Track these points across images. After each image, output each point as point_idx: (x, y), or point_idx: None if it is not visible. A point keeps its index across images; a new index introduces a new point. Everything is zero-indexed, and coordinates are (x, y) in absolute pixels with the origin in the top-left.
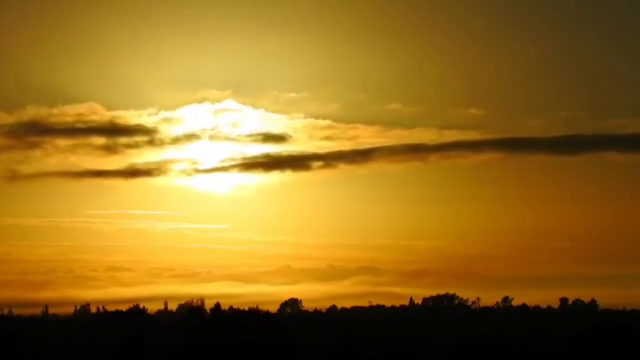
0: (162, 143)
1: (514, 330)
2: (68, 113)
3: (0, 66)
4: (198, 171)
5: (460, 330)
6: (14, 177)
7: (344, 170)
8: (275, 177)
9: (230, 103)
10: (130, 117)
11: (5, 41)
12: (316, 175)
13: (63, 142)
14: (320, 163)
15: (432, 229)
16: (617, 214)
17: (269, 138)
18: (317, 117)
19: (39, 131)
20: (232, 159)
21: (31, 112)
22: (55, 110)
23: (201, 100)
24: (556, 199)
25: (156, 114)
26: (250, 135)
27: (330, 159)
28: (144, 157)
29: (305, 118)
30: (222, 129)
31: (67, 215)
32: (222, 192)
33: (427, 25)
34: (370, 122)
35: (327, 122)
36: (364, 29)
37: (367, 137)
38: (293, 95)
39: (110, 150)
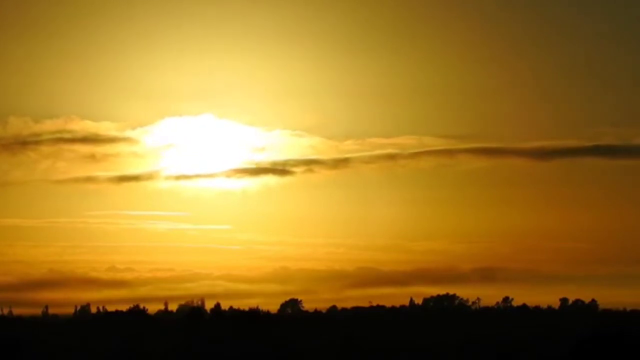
0: (146, 152)
1: (514, 330)
2: (51, 124)
3: None
4: (189, 177)
5: (460, 330)
6: (6, 183)
7: (336, 173)
8: (266, 181)
9: (208, 116)
10: (112, 128)
11: None
12: (306, 179)
13: (49, 151)
14: (305, 168)
15: (432, 230)
16: (617, 215)
17: (248, 148)
18: (294, 129)
19: (22, 142)
20: (222, 165)
21: (14, 124)
22: (37, 121)
23: (179, 114)
24: (555, 201)
25: (139, 126)
26: (230, 146)
27: (314, 165)
28: (132, 164)
29: (283, 129)
30: (201, 140)
31: (66, 215)
32: (221, 193)
33: (405, 36)
34: (349, 132)
35: (305, 133)
36: (341, 41)
37: (348, 146)
38: (269, 108)
39: (98, 158)
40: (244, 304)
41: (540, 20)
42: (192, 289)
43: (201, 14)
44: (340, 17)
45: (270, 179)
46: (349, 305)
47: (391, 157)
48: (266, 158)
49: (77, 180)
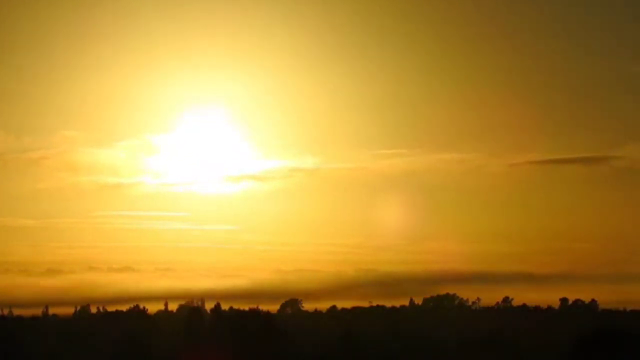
0: (137, 160)
1: (514, 330)
2: (40, 136)
3: None
4: (184, 182)
5: (460, 330)
6: (2, 185)
7: (331, 175)
8: (260, 186)
9: (183, 131)
10: (100, 138)
11: None
12: (309, 180)
13: (45, 157)
14: (302, 174)
15: (432, 230)
16: (617, 216)
17: (227, 157)
18: (275, 139)
19: (13, 152)
20: (218, 170)
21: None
22: (23, 135)
23: (164, 125)
24: (555, 204)
25: (125, 137)
26: (212, 155)
27: (309, 172)
28: (123, 171)
29: (265, 140)
30: (189, 149)
31: (66, 215)
32: (221, 196)
33: (382, 47)
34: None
35: (287, 143)
36: (318, 53)
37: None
38: (250, 120)
39: (94, 164)
40: (244, 304)
41: (519, 33)
42: (192, 289)
43: (184, 30)
44: (323, 29)
45: (264, 184)
46: (349, 305)
47: (383, 164)
48: (254, 166)
49: (74, 182)
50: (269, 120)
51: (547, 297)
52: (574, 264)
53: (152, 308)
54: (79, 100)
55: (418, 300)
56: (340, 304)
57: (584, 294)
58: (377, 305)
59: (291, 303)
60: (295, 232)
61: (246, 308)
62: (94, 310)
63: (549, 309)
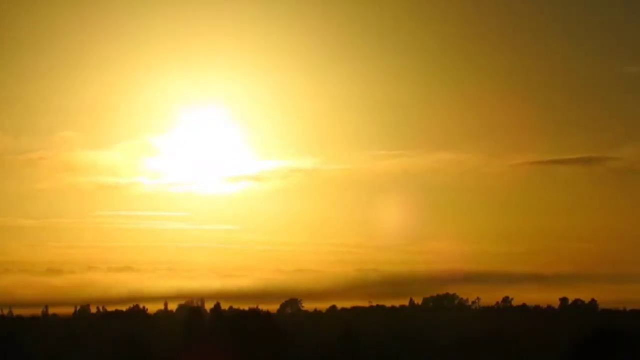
0: (135, 161)
1: (514, 330)
2: (37, 140)
3: None
4: (184, 183)
5: (460, 330)
6: (3, 185)
7: (331, 176)
8: (260, 186)
9: (182, 131)
10: (99, 140)
11: None
12: (309, 181)
13: (44, 158)
14: (303, 172)
15: (432, 231)
16: (617, 217)
17: (227, 157)
18: (272, 140)
19: (13, 152)
20: (217, 171)
21: None
22: (20, 138)
23: (161, 128)
24: (555, 204)
25: (122, 139)
26: (211, 156)
27: (308, 173)
28: (126, 169)
29: (261, 143)
30: (184, 152)
31: (66, 216)
32: (221, 196)
33: (376, 50)
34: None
35: (284, 144)
36: (313, 56)
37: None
38: (244, 122)
39: (94, 165)
40: (244, 304)
41: (519, 33)
42: (192, 289)
43: (183, 30)
44: (323, 29)
45: (264, 185)
46: (349, 305)
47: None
48: (254, 166)
49: (73, 183)
50: (269, 120)
51: (547, 297)
52: (574, 264)
53: (152, 308)
54: (78, 101)
55: (418, 300)
56: (340, 304)
57: (584, 294)
58: (377, 305)
59: (291, 303)
60: (295, 232)
61: (246, 308)
62: (94, 310)
63: (549, 309)
